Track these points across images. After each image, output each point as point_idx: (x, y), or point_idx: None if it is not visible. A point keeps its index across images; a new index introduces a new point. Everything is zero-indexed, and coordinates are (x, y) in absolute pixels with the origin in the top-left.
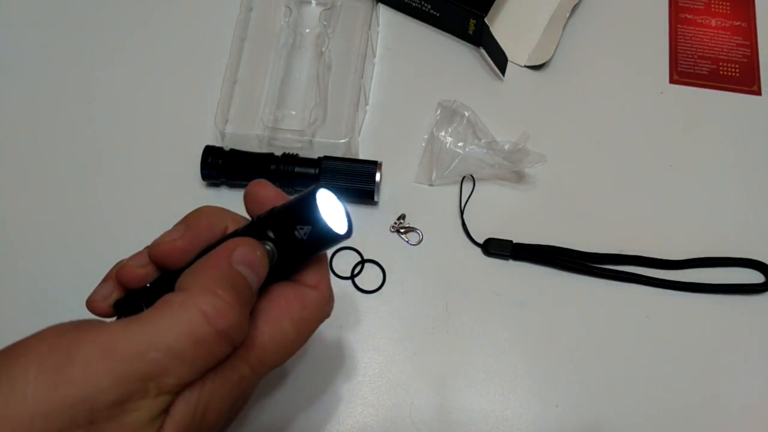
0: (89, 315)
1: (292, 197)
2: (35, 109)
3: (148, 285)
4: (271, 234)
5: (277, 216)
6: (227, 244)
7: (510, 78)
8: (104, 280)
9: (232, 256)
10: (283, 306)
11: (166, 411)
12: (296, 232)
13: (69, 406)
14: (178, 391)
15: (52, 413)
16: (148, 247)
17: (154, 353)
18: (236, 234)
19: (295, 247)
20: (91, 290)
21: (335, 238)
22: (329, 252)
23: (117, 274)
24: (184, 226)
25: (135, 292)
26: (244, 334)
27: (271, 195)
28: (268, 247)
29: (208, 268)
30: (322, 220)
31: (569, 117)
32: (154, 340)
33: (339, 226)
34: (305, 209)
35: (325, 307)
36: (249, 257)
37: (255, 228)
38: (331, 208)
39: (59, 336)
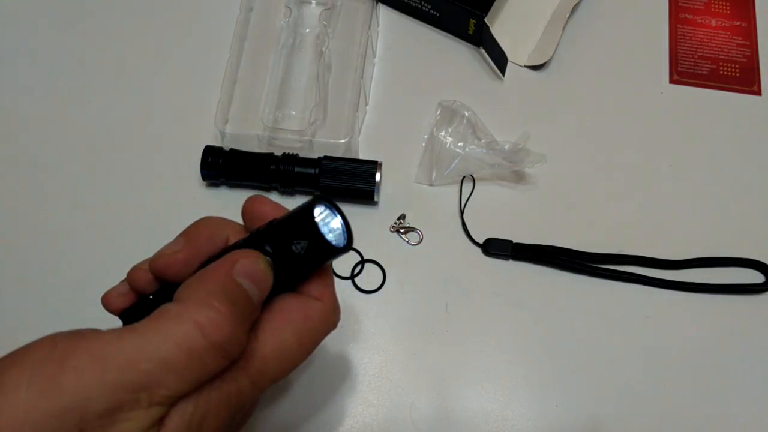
0: (88, 314)
1: (290, 210)
2: (34, 109)
3: (151, 297)
4: (268, 248)
5: (275, 230)
6: (230, 256)
7: (510, 78)
8: (124, 280)
9: (234, 268)
10: (285, 317)
11: (160, 422)
12: (293, 247)
13: (59, 414)
14: (172, 403)
15: (42, 421)
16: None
17: (145, 364)
18: (236, 247)
19: (292, 262)
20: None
21: (333, 251)
22: None
23: (127, 276)
24: (185, 238)
25: (138, 303)
26: (242, 347)
27: (269, 210)
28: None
29: (206, 280)
30: (320, 234)
31: (569, 117)
32: (147, 350)
33: (337, 238)
34: (302, 223)
35: (329, 318)
36: (251, 270)
37: (253, 241)
38: (329, 220)
39: (53, 344)
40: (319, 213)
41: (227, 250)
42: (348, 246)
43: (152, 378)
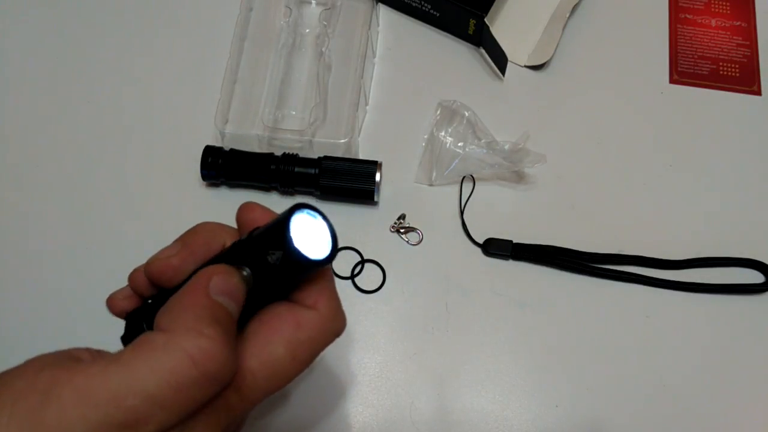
0: (87, 314)
1: (275, 217)
2: (34, 108)
3: (149, 301)
4: (248, 259)
5: (253, 241)
6: (201, 274)
7: (510, 78)
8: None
9: (210, 287)
10: (273, 328)
11: None
12: (268, 257)
13: None
14: None
15: None
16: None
17: (132, 400)
18: (216, 258)
19: (269, 273)
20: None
21: (309, 264)
22: None
23: (128, 279)
24: (180, 243)
25: (141, 307)
26: (234, 371)
27: (258, 217)
28: (245, 273)
29: (188, 304)
30: (292, 245)
31: (569, 117)
32: (133, 385)
33: (317, 250)
34: (276, 234)
35: (326, 326)
36: (226, 286)
37: (234, 252)
38: (311, 230)
39: (37, 373)
40: (297, 223)
41: (211, 260)
42: (329, 258)
43: (139, 414)
